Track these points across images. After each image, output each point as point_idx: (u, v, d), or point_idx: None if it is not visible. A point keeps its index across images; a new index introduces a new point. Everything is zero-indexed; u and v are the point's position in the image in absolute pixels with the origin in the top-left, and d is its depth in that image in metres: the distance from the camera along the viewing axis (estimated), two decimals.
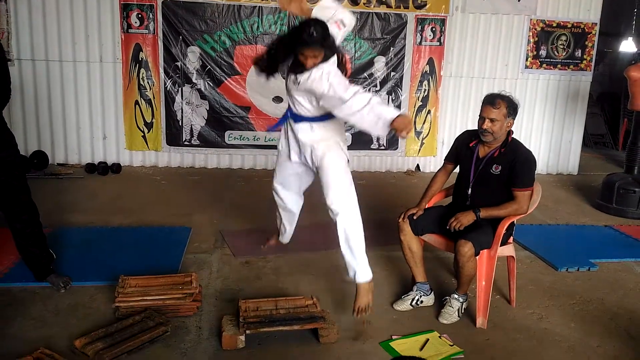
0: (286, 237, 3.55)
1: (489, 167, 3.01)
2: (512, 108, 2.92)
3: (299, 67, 2.74)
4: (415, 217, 3.12)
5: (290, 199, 3.33)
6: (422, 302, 3.14)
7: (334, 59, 2.80)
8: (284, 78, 3.01)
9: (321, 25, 2.66)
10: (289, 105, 3.05)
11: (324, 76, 2.68)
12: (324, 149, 2.91)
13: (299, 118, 2.96)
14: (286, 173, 3.23)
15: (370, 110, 2.60)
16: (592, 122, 8.99)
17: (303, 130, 2.97)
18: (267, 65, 2.91)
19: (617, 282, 3.65)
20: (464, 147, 3.14)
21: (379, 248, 3.99)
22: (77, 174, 5.78)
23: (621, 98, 9.22)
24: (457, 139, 3.25)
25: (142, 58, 5.93)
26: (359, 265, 2.85)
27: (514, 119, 2.96)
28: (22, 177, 3.05)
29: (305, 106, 2.91)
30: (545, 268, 3.84)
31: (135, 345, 2.54)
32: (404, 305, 3.13)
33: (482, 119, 2.95)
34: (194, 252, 3.82)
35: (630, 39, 9.19)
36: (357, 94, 2.63)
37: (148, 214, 4.61)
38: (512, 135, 3.04)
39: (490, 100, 2.92)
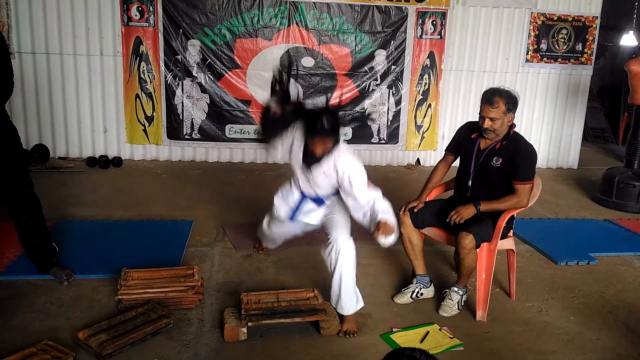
0: (270, 245, 3.68)
1: (490, 160, 3.02)
2: (511, 103, 2.91)
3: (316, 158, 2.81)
4: (415, 210, 3.13)
5: (279, 236, 3.48)
6: (422, 294, 3.16)
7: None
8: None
9: (332, 115, 2.70)
10: (299, 187, 3.08)
11: (345, 175, 2.81)
12: (337, 212, 3.00)
13: (315, 199, 3.06)
14: (282, 228, 3.34)
15: (373, 211, 2.85)
16: (593, 116, 8.99)
17: (318, 208, 3.07)
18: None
19: (616, 276, 3.67)
20: (466, 138, 3.14)
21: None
22: (78, 167, 5.79)
23: (621, 92, 9.22)
24: (459, 130, 3.26)
25: (142, 51, 5.92)
26: (347, 298, 2.82)
27: (514, 113, 2.96)
28: (25, 170, 3.07)
29: (323, 189, 2.98)
30: (545, 261, 3.86)
31: (138, 337, 2.57)
32: (404, 298, 3.15)
33: (482, 119, 2.95)
34: (195, 245, 3.84)
35: (630, 32, 9.17)
36: (372, 201, 2.87)
37: (150, 208, 4.62)
38: (515, 129, 3.05)
39: (489, 100, 2.91)
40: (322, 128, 2.65)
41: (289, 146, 2.93)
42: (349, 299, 2.82)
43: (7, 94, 2.94)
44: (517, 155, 2.94)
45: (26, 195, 3.05)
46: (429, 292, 3.19)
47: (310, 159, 2.84)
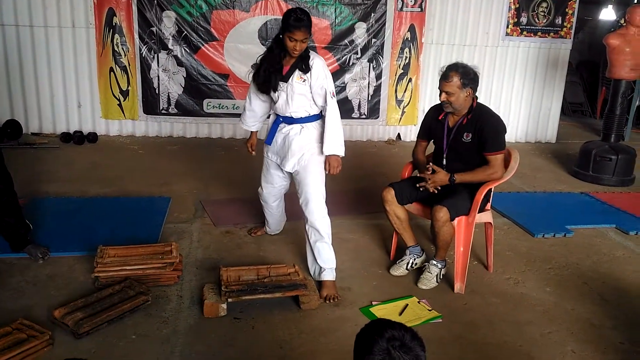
0: (271, 228, 3.62)
1: (460, 136, 3.05)
2: (467, 78, 2.94)
3: (302, 66, 2.93)
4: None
5: (270, 195, 3.42)
6: (416, 264, 3.21)
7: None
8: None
9: (305, 12, 2.86)
10: (275, 113, 3.16)
11: (325, 74, 2.97)
12: (309, 155, 3.03)
13: (290, 120, 3.07)
14: (271, 178, 3.34)
15: (335, 127, 2.98)
16: (571, 91, 9.06)
17: (294, 132, 3.06)
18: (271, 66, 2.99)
19: (592, 248, 3.74)
20: (434, 121, 3.18)
21: (359, 216, 4.03)
22: (53, 143, 5.66)
23: (600, 66, 9.28)
24: (425, 116, 3.30)
25: (115, 23, 5.75)
26: (327, 265, 2.97)
27: (472, 87, 2.98)
28: None
29: (302, 105, 3.02)
30: (522, 234, 3.91)
31: (116, 315, 2.54)
32: (400, 270, 3.18)
33: (440, 92, 3.01)
34: (173, 221, 3.80)
35: (610, 6, 9.19)
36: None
37: (126, 184, 4.55)
38: (477, 101, 3.07)
39: (444, 74, 2.98)
40: (300, 18, 2.79)
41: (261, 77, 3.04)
42: (331, 263, 2.97)
43: None
44: (484, 128, 2.98)
45: None
46: (422, 260, 3.24)
47: (287, 74, 2.96)
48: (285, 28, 2.83)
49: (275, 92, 3.01)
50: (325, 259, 2.97)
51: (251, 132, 3.38)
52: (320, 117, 3.06)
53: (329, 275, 2.96)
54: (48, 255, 3.13)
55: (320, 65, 2.96)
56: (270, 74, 2.97)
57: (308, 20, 2.84)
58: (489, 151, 2.99)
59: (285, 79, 2.97)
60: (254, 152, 3.33)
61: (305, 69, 2.93)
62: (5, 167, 3.02)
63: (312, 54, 2.97)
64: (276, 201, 3.45)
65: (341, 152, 3.00)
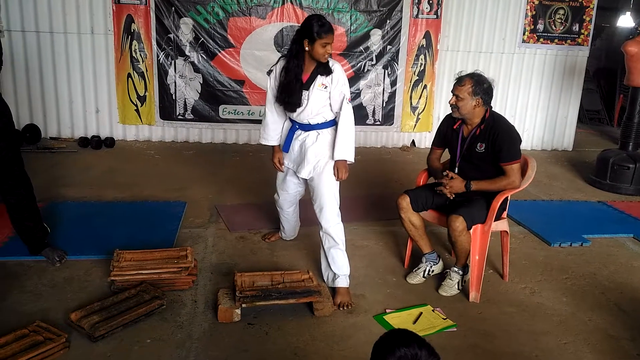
0: (287, 234, 3.63)
1: (474, 146, 3.04)
2: (479, 87, 2.94)
3: (323, 71, 2.95)
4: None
5: (286, 202, 3.43)
6: (433, 271, 3.20)
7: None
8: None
9: (322, 16, 2.93)
10: (291, 119, 3.16)
11: (344, 80, 3.00)
12: (325, 163, 3.03)
13: (307, 127, 3.08)
14: (286, 185, 3.35)
15: (345, 129, 2.98)
16: (588, 98, 8.97)
17: (311, 140, 3.07)
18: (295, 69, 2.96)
19: (609, 258, 3.69)
20: (449, 129, 3.17)
21: (373, 223, 4.02)
22: (70, 147, 5.74)
23: (618, 74, 9.18)
24: (440, 124, 3.29)
25: (134, 30, 5.83)
26: (341, 271, 2.96)
27: (482, 98, 2.97)
28: (16, 149, 3.02)
29: (320, 112, 3.03)
30: (538, 243, 3.87)
31: (131, 319, 2.56)
32: (417, 278, 3.17)
33: (451, 96, 3.03)
34: (189, 226, 3.82)
35: (628, 13, 9.10)
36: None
37: (142, 189, 4.59)
38: (492, 111, 3.07)
39: (459, 78, 3.01)
40: (325, 23, 2.83)
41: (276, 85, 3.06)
42: (345, 270, 2.97)
43: None
44: (498, 137, 2.97)
45: (17, 175, 3.01)
46: (439, 267, 3.23)
47: (308, 82, 2.96)
48: (316, 35, 2.81)
49: (300, 107, 3.00)
50: (339, 265, 2.96)
51: (273, 147, 3.26)
52: (335, 122, 3.06)
53: (342, 282, 2.95)
54: (65, 258, 3.17)
55: (340, 70, 2.98)
56: (294, 87, 2.94)
57: (332, 27, 2.90)
58: (504, 161, 2.97)
59: (307, 87, 2.96)
60: (283, 168, 3.26)
61: (327, 71, 2.93)
62: (25, 171, 3.06)
63: (330, 58, 2.98)
64: (291, 207, 3.46)
65: (351, 158, 3.00)
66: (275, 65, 3.08)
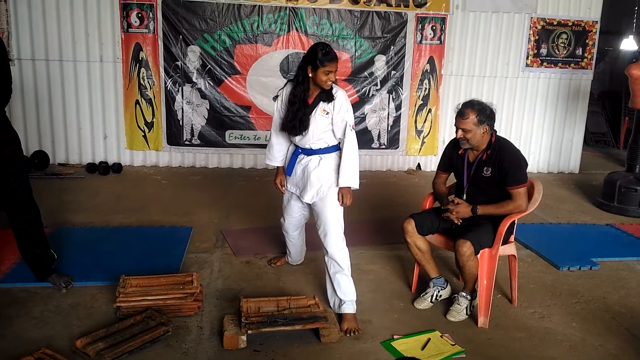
0: (293, 258, 3.62)
1: (481, 171, 3.04)
2: (483, 115, 2.94)
3: (325, 98, 2.98)
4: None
5: (291, 225, 3.43)
6: (441, 296, 3.17)
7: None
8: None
9: (327, 44, 2.95)
10: (294, 144, 3.18)
11: (347, 107, 3.01)
12: (327, 187, 3.04)
13: (309, 152, 3.10)
14: (291, 209, 3.36)
15: (349, 156, 2.99)
16: (593, 121, 8.97)
17: (313, 164, 3.08)
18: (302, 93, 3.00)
19: (619, 281, 3.64)
20: (454, 155, 3.18)
21: (379, 247, 4.00)
22: (78, 173, 5.78)
23: (622, 96, 9.20)
24: (445, 149, 3.29)
25: (142, 57, 5.92)
26: (347, 297, 2.94)
27: (489, 124, 2.98)
28: (24, 176, 3.05)
29: (322, 137, 3.04)
30: (546, 267, 3.83)
31: (137, 345, 2.54)
32: (424, 303, 3.14)
33: (456, 129, 3.01)
34: (195, 251, 3.82)
35: (631, 37, 9.18)
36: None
37: (149, 214, 4.61)
38: (497, 135, 3.06)
39: (460, 112, 2.99)
40: (330, 51, 2.86)
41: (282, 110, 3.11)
42: (351, 296, 2.94)
43: (6, 98, 2.93)
44: (504, 162, 2.97)
45: (25, 202, 3.03)
46: (446, 292, 3.20)
47: (312, 105, 2.98)
48: (319, 62, 2.85)
49: (305, 131, 3.01)
50: (345, 291, 2.94)
51: (277, 167, 3.32)
52: (338, 148, 3.07)
53: (349, 308, 2.92)
54: (71, 284, 3.17)
55: (342, 97, 2.99)
56: (302, 112, 2.97)
57: (336, 55, 2.92)
58: (510, 185, 2.96)
59: (309, 112, 2.99)
60: (284, 190, 3.31)
61: (329, 98, 2.96)
62: (33, 198, 3.09)
63: (334, 85, 3.00)
64: (297, 231, 3.46)
65: (355, 184, 3.00)
66: (282, 90, 3.12)
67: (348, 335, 2.80)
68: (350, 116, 3.00)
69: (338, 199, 3.01)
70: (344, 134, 2.98)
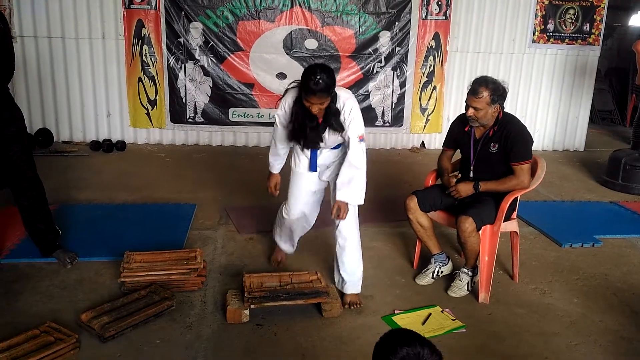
0: (288, 246, 3.33)
1: (487, 147, 3.02)
2: (496, 94, 2.89)
3: (336, 126, 2.74)
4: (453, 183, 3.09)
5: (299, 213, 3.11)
6: (442, 272, 3.19)
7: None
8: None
9: (327, 73, 2.58)
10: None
11: (358, 123, 2.75)
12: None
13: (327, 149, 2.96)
14: (301, 191, 3.06)
15: (355, 173, 2.76)
16: (600, 98, 8.88)
17: (334, 152, 2.95)
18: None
19: (621, 258, 3.65)
20: (460, 132, 3.16)
21: (382, 224, 4.01)
22: (82, 151, 5.80)
23: (629, 73, 9.09)
24: (451, 126, 3.27)
25: (144, 34, 5.88)
26: (352, 278, 2.90)
27: (501, 104, 2.95)
28: (29, 152, 3.06)
29: (337, 140, 2.88)
30: (549, 244, 3.84)
31: (141, 319, 2.58)
32: (426, 279, 3.16)
33: (467, 107, 2.96)
34: (198, 228, 3.85)
35: (639, 12, 9.01)
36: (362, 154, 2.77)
37: (153, 191, 4.62)
38: (504, 111, 3.03)
39: (474, 90, 2.91)
40: (317, 82, 2.52)
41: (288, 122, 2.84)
42: (357, 277, 2.92)
43: (9, 75, 2.93)
44: (509, 138, 2.95)
45: (29, 178, 3.05)
46: (448, 268, 3.21)
47: (322, 124, 2.75)
48: (304, 93, 2.59)
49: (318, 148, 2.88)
50: (350, 271, 2.91)
51: (272, 173, 3.16)
52: None
53: (352, 289, 2.90)
54: (76, 260, 3.20)
55: (354, 115, 2.71)
56: (312, 137, 2.77)
57: (327, 84, 2.55)
58: (514, 161, 2.95)
59: (322, 130, 2.79)
60: (277, 192, 3.12)
61: (339, 128, 2.72)
62: (37, 174, 3.10)
63: (341, 96, 2.71)
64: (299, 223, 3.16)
65: (359, 201, 2.79)
66: (283, 100, 2.83)
67: (350, 308, 2.83)
68: (359, 128, 2.73)
69: (332, 212, 2.81)
70: (349, 144, 2.75)
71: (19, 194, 3.06)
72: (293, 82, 2.79)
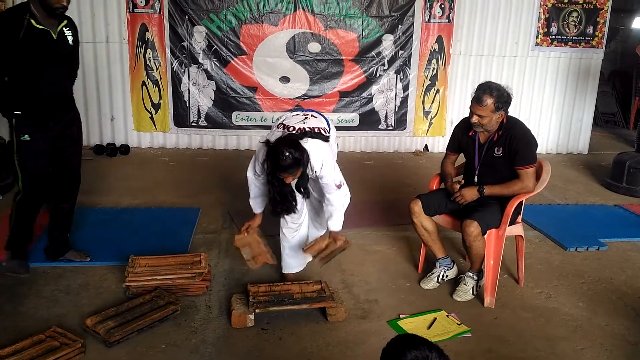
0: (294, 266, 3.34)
1: (492, 152, 3.02)
2: (501, 102, 2.88)
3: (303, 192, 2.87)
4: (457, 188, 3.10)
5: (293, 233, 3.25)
6: (447, 276, 3.18)
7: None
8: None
9: (293, 147, 2.61)
10: None
11: (329, 177, 2.82)
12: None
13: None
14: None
15: (334, 210, 2.88)
16: (603, 101, 8.85)
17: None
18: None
19: (627, 262, 3.63)
20: (464, 136, 3.15)
21: (386, 228, 4.01)
22: (86, 155, 5.76)
23: (633, 76, 9.07)
24: (454, 130, 3.26)
25: (148, 38, 5.89)
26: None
27: (506, 110, 2.94)
28: (81, 154, 3.22)
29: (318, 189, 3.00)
30: (554, 248, 3.83)
31: (146, 324, 2.58)
32: (430, 283, 3.15)
33: (471, 113, 2.95)
34: (203, 232, 3.85)
35: None
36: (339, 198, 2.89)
37: (157, 195, 4.63)
38: (508, 115, 3.03)
39: (477, 97, 2.90)
40: (285, 162, 2.58)
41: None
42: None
43: (74, 79, 3.19)
44: (514, 142, 2.94)
45: (78, 179, 3.19)
46: (453, 272, 3.20)
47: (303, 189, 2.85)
48: (272, 166, 2.64)
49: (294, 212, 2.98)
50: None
51: (255, 214, 3.17)
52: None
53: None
54: (90, 257, 3.26)
55: (325, 171, 2.77)
56: (286, 200, 2.87)
57: (295, 158, 2.59)
58: (519, 165, 2.95)
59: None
60: (247, 233, 3.07)
61: (306, 194, 2.89)
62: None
63: (311, 159, 2.70)
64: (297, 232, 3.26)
65: (339, 227, 2.92)
66: (260, 151, 2.84)
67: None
68: (331, 179, 2.80)
69: (329, 243, 2.90)
70: (328, 190, 2.84)
71: (63, 197, 3.14)
72: (261, 141, 2.82)
